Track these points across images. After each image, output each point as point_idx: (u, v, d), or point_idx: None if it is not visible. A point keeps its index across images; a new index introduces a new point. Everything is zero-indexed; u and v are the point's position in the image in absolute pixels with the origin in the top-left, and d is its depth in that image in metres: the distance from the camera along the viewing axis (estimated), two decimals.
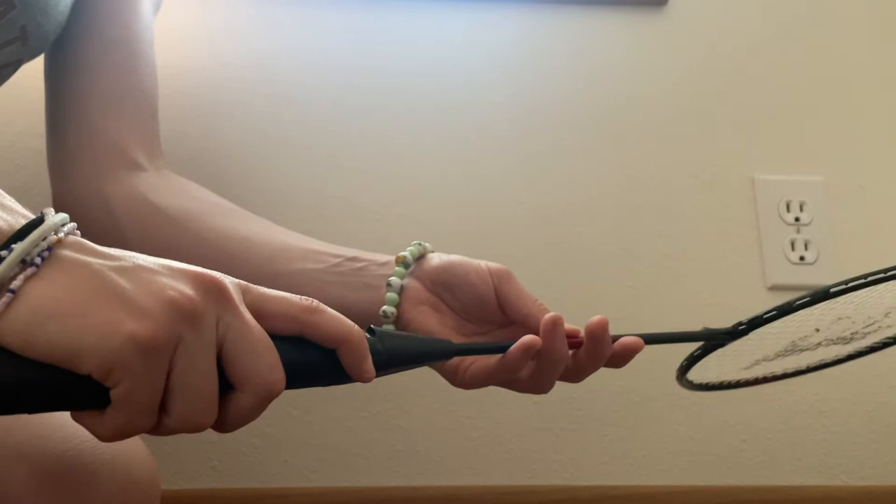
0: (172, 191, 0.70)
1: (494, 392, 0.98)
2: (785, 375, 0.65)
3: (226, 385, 0.39)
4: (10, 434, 0.46)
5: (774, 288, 1.02)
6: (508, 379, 0.56)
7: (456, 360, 0.55)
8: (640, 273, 1.02)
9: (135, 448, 0.52)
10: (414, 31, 1.06)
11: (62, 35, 0.71)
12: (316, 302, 0.42)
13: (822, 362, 0.64)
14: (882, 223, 1.07)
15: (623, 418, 0.98)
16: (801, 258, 1.04)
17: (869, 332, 0.62)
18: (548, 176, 1.04)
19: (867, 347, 0.63)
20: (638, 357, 0.98)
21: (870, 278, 0.56)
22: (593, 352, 0.54)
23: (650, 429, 0.98)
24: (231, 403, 0.39)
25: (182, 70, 1.00)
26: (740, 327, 0.59)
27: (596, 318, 0.53)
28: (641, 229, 1.03)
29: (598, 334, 0.53)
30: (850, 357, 0.64)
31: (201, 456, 0.91)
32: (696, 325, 1.00)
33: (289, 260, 0.64)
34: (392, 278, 0.60)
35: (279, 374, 0.40)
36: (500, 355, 0.53)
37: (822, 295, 0.57)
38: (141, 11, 0.75)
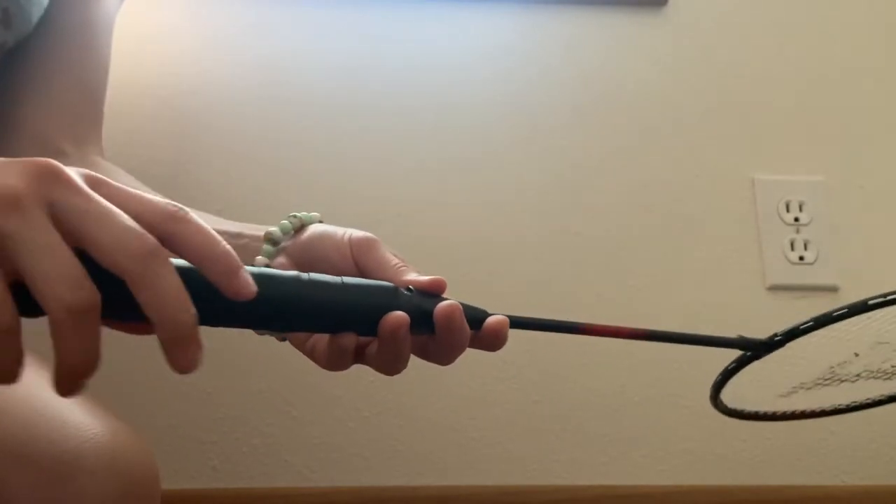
0: None
1: (495, 392, 0.98)
2: (824, 413, 0.63)
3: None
4: (9, 434, 0.46)
5: (774, 288, 1.02)
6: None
7: (311, 340, 0.52)
8: (640, 273, 1.02)
9: (135, 448, 0.52)
10: (416, 32, 1.06)
11: None
12: (183, 210, 0.37)
13: (867, 401, 0.62)
14: (882, 223, 1.07)
15: (623, 418, 0.98)
16: (801, 258, 1.04)
17: None
18: (547, 175, 1.04)
19: None
20: (638, 357, 0.99)
21: None
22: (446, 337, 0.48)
23: (650, 429, 0.98)
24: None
25: (183, 71, 1.00)
26: (776, 338, 0.56)
27: (447, 304, 0.48)
28: (641, 229, 1.03)
29: (445, 323, 0.48)
30: (892, 399, 0.62)
31: (201, 456, 0.91)
32: (695, 325, 1.01)
33: None
34: (258, 257, 0.56)
35: (142, 233, 0.35)
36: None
37: (861, 307, 0.55)
38: (102, 2, 0.74)
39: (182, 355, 0.36)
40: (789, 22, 1.13)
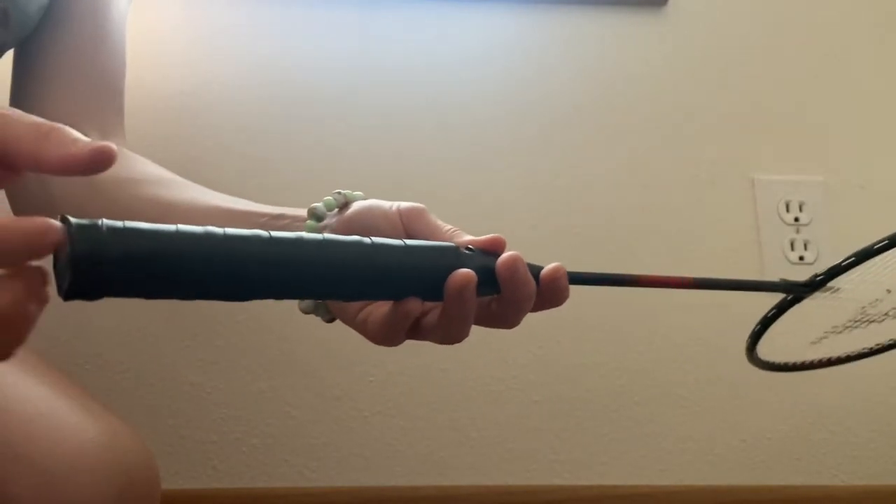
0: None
1: (494, 392, 0.98)
2: (850, 358, 0.61)
3: None
4: (10, 434, 0.46)
5: None
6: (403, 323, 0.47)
7: (363, 312, 0.50)
8: (639, 273, 1.02)
9: (135, 448, 0.52)
10: (416, 32, 1.06)
11: None
12: (49, 125, 0.35)
13: (890, 342, 0.60)
14: (882, 223, 1.07)
15: (623, 418, 0.98)
16: (801, 258, 1.04)
17: None
18: (547, 176, 1.04)
19: None
20: (638, 357, 0.99)
21: None
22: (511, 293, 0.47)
23: (650, 429, 0.98)
24: None
25: (183, 71, 1.00)
26: (818, 278, 0.55)
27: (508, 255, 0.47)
28: (641, 229, 1.03)
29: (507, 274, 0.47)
30: None
31: (201, 456, 0.91)
32: (694, 324, 1.01)
33: (212, 223, 0.60)
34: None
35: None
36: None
37: None
38: None
39: None
40: (789, 22, 1.13)
